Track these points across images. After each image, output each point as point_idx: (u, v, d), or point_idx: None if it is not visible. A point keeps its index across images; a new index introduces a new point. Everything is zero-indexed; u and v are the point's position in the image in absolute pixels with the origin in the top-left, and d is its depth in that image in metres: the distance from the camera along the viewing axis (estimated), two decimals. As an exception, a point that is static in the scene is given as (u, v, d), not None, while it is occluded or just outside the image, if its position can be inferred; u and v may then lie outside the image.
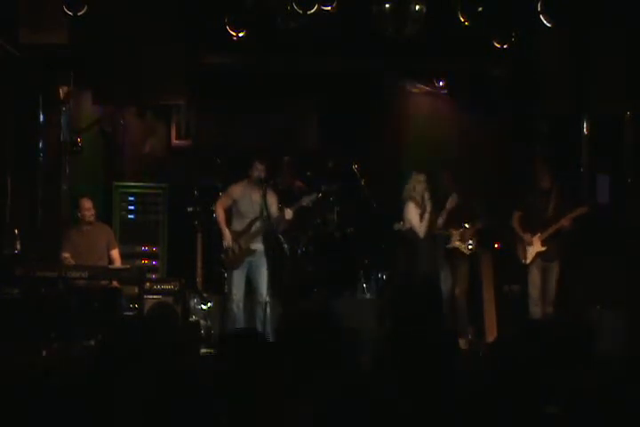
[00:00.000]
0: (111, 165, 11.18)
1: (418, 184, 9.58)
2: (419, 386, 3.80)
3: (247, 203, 9.33)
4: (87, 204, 9.52)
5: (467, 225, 9.68)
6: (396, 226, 9.65)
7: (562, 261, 9.45)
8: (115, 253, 9.60)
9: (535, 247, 9.39)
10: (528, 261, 9.42)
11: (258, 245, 9.35)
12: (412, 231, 9.58)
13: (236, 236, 9.33)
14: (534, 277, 9.44)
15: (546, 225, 9.37)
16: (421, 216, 9.60)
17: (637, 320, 8.85)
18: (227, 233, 9.34)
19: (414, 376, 3.88)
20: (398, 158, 11.57)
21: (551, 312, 9.27)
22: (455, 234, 9.67)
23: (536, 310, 9.35)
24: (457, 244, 9.68)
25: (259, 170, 9.27)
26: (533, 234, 9.41)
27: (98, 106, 10.82)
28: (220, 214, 9.41)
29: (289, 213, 9.29)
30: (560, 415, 3.66)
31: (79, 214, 9.51)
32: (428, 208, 9.61)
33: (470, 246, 9.71)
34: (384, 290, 10.08)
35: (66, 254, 9.40)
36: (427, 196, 9.61)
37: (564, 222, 9.29)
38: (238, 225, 9.38)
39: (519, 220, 9.52)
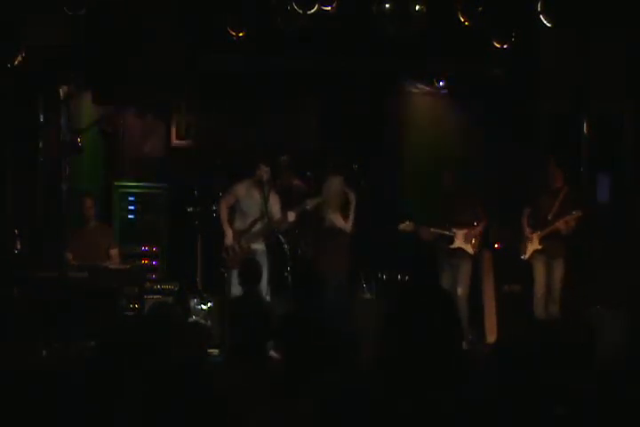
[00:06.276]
0: (111, 165, 11.18)
1: None
2: (419, 386, 3.80)
3: (250, 202, 9.36)
4: (88, 202, 9.61)
5: (473, 225, 9.68)
6: (401, 226, 9.66)
7: (565, 259, 9.44)
8: (113, 251, 9.64)
9: (533, 245, 9.49)
10: (526, 256, 9.50)
11: (259, 246, 9.36)
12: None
13: (238, 235, 9.34)
14: (538, 274, 9.48)
15: (547, 224, 9.44)
16: None
17: (637, 320, 8.84)
18: (228, 232, 9.35)
19: (414, 376, 3.88)
20: (398, 158, 11.56)
21: (556, 311, 9.27)
22: (459, 234, 9.66)
23: (540, 310, 9.35)
24: (461, 244, 9.67)
25: (263, 171, 9.31)
26: (534, 231, 9.48)
27: (98, 106, 10.83)
28: (223, 213, 9.42)
29: (292, 216, 9.32)
30: (561, 416, 3.66)
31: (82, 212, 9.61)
32: None
33: (474, 247, 9.69)
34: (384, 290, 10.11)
35: (68, 254, 9.44)
36: None
37: (559, 225, 9.36)
38: (240, 224, 9.40)
39: (528, 218, 9.61)
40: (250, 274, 8.01)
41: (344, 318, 8.88)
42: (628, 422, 3.53)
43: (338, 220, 9.48)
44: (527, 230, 9.53)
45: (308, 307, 7.22)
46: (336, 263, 9.35)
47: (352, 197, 9.56)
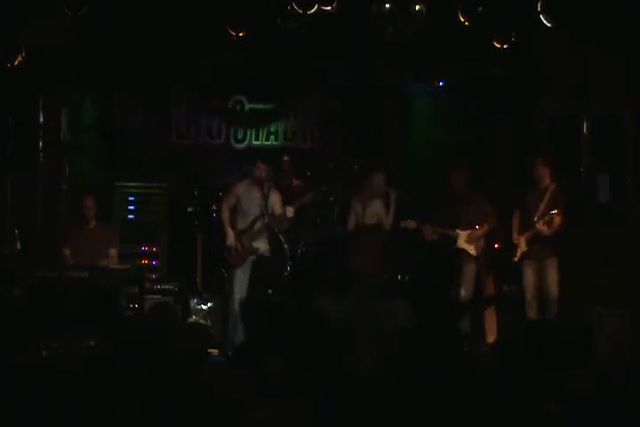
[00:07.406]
0: (111, 165, 11.18)
1: None
2: (420, 386, 3.80)
3: (249, 201, 9.38)
4: (88, 202, 9.61)
5: (477, 227, 9.65)
6: (403, 223, 9.66)
7: (559, 259, 9.37)
8: (112, 252, 9.65)
9: (521, 247, 9.35)
10: (516, 259, 9.40)
11: (261, 244, 9.37)
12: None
13: (239, 234, 9.36)
14: (528, 279, 9.36)
15: (532, 225, 9.30)
16: None
17: (637, 320, 8.84)
18: (230, 232, 9.38)
19: (416, 377, 3.88)
20: (398, 158, 11.56)
21: (551, 312, 9.20)
22: (462, 235, 9.64)
23: (531, 312, 9.30)
24: (464, 245, 9.65)
25: (260, 169, 9.32)
26: (522, 233, 9.38)
27: (98, 106, 10.83)
28: (224, 213, 9.46)
29: (290, 211, 9.33)
30: (560, 415, 3.66)
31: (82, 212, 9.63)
32: None
33: (478, 248, 9.65)
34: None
35: (66, 250, 9.45)
36: None
37: (540, 227, 9.22)
38: (241, 223, 9.42)
39: (518, 218, 9.51)
40: (264, 275, 8.04)
41: (380, 318, 8.95)
42: (628, 422, 3.53)
43: (380, 214, 9.50)
44: (515, 235, 9.39)
45: (309, 306, 7.23)
46: (374, 262, 9.39)
47: (393, 196, 9.57)
